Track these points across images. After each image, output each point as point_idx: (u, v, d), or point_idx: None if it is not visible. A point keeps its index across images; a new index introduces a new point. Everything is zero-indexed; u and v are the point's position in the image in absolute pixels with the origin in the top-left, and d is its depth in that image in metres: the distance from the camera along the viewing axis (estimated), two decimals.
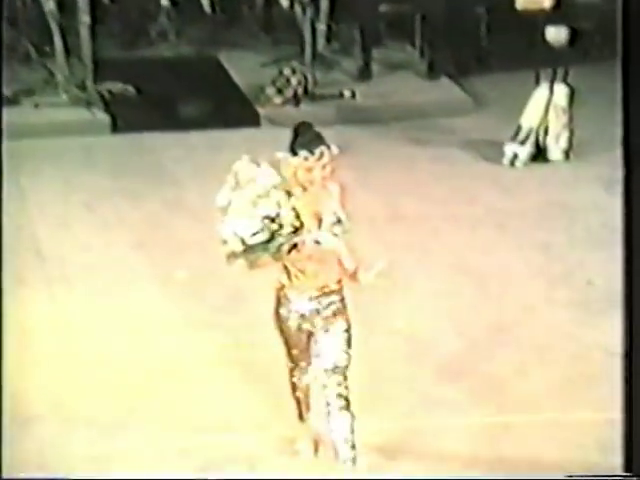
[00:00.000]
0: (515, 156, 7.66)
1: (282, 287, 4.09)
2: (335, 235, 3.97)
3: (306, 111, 8.49)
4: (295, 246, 3.89)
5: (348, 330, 4.15)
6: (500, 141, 7.67)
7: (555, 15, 7.85)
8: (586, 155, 7.61)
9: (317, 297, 4.06)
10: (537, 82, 7.69)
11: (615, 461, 4.32)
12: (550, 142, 7.69)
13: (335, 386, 4.10)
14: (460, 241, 6.46)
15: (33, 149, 6.99)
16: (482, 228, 6.63)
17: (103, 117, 8.28)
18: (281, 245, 3.85)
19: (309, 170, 3.90)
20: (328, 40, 9.33)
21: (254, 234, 3.81)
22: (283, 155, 3.92)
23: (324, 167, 3.91)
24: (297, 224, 3.85)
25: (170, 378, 5.03)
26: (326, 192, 3.98)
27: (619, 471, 3.86)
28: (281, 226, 3.82)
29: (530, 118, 7.67)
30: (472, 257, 6.26)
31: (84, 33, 8.47)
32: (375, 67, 9.14)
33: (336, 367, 4.10)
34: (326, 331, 4.10)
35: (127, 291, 5.88)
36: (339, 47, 9.40)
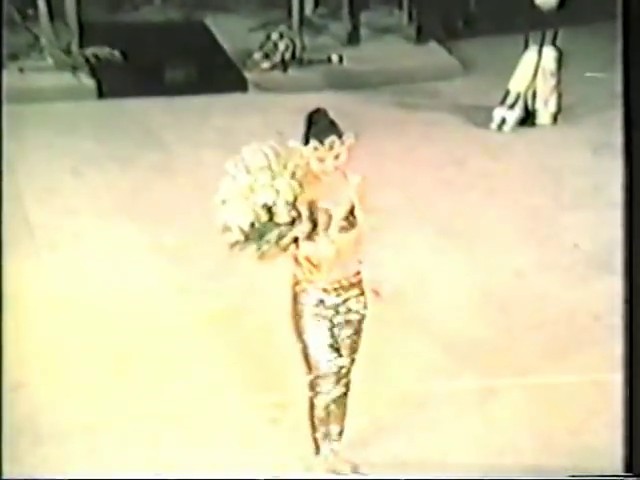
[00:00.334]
0: (503, 120, 7.65)
1: (297, 282, 3.92)
2: (348, 228, 3.81)
3: (294, 76, 8.46)
4: (296, 240, 3.75)
5: (358, 332, 4.01)
6: (489, 105, 7.66)
7: None
8: (574, 118, 7.60)
9: (334, 291, 3.89)
10: (526, 46, 7.66)
11: (602, 423, 4.37)
12: (539, 106, 7.67)
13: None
14: (448, 205, 6.46)
15: (18, 114, 6.90)
16: (470, 192, 6.63)
17: (89, 82, 8.22)
18: (282, 236, 3.72)
19: (321, 160, 3.74)
20: (316, 4, 9.27)
21: (252, 224, 3.69)
22: (294, 144, 3.77)
23: (337, 157, 3.75)
24: (294, 214, 3.71)
25: (160, 343, 5.04)
26: (344, 183, 3.83)
27: (605, 438, 3.90)
28: (273, 215, 3.69)
29: (518, 82, 7.65)
30: (460, 221, 6.27)
31: None
32: (363, 31, 9.09)
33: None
34: (342, 328, 3.95)
35: (116, 257, 5.87)
36: (327, 11, 9.34)
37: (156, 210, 6.37)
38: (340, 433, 4.06)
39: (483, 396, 4.67)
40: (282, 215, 3.70)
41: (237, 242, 3.73)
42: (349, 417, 4.14)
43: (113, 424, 4.48)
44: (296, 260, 3.86)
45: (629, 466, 3.61)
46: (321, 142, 3.72)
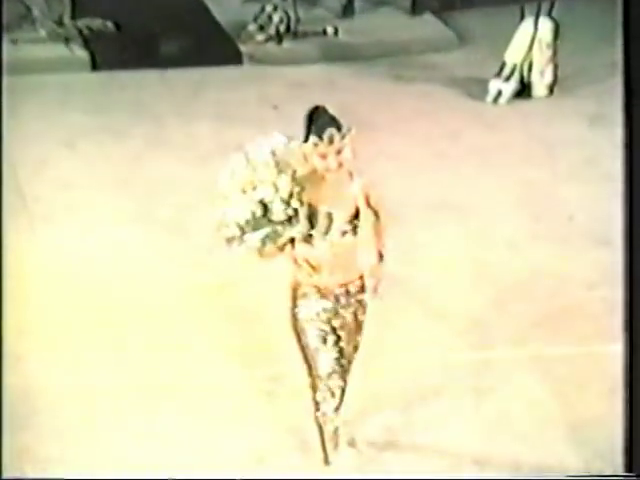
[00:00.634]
0: (499, 93, 7.63)
1: (297, 286, 3.84)
2: (351, 232, 3.73)
3: (289, 49, 8.41)
4: (292, 240, 3.67)
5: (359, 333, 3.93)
6: (484, 78, 7.63)
7: None
8: (570, 90, 7.59)
9: (335, 297, 3.83)
10: (522, 17, 7.63)
11: (595, 393, 4.40)
12: (535, 78, 7.65)
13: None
14: (443, 178, 6.45)
15: (11, 86, 6.86)
16: (465, 165, 6.63)
17: (82, 54, 8.17)
18: (278, 235, 3.65)
19: (323, 157, 3.63)
20: None
21: (247, 220, 3.63)
22: (294, 143, 3.67)
23: (339, 152, 3.63)
24: (290, 213, 3.62)
25: (155, 316, 5.05)
26: (349, 185, 3.73)
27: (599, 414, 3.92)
28: (267, 212, 3.61)
29: (515, 54, 7.63)
30: (455, 194, 6.27)
31: None
32: (358, 4, 9.03)
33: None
34: (339, 334, 3.88)
35: (110, 229, 5.87)
36: None
37: (151, 183, 6.36)
38: (337, 409, 4.04)
39: (477, 368, 4.69)
40: (277, 212, 3.62)
41: (234, 237, 3.69)
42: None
43: (109, 395, 4.50)
44: (295, 261, 3.79)
45: (629, 466, 3.62)
46: (320, 136, 3.62)
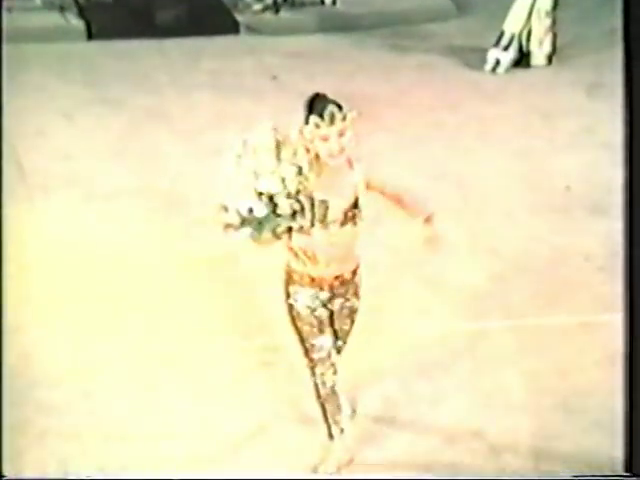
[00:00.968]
0: (497, 62, 7.60)
1: (290, 272, 3.81)
2: (349, 221, 3.68)
3: (286, 18, 8.36)
4: (290, 229, 3.60)
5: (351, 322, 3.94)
6: (483, 47, 7.60)
7: None
8: (569, 59, 7.56)
9: (329, 287, 3.80)
10: None
11: (591, 363, 4.41)
12: (533, 47, 7.62)
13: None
14: (442, 148, 6.44)
15: (7, 55, 6.82)
16: (464, 135, 6.61)
17: (78, 23, 8.12)
18: (278, 226, 3.57)
19: (325, 139, 3.57)
20: None
21: (250, 209, 3.55)
22: (295, 129, 3.59)
23: (341, 134, 3.58)
24: (297, 207, 3.55)
25: (153, 287, 5.06)
26: (348, 173, 3.68)
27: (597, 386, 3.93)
28: (275, 206, 3.55)
29: (513, 23, 7.59)
30: (453, 164, 6.26)
31: None
32: None
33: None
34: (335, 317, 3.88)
35: (109, 200, 5.86)
36: None
37: (149, 153, 6.34)
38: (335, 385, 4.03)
39: (473, 339, 4.70)
40: (284, 207, 3.56)
41: (231, 224, 3.62)
42: (342, 361, 4.19)
43: (108, 367, 4.51)
44: (291, 250, 3.76)
45: (629, 466, 3.63)
46: (321, 116, 3.56)
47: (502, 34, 7.61)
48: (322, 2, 8.53)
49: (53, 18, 8.14)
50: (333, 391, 3.89)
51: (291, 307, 3.84)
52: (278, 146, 3.57)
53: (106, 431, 4.13)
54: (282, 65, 7.54)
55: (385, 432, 4.12)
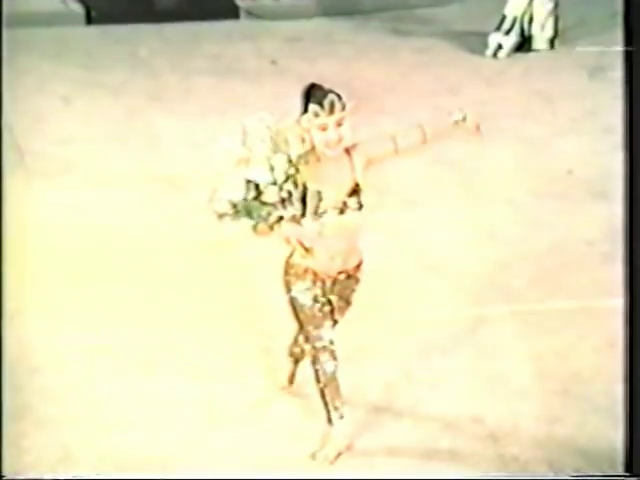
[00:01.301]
0: (499, 46, 7.57)
1: (292, 264, 3.78)
2: (346, 211, 3.64)
3: (286, 3, 8.34)
4: (281, 218, 3.57)
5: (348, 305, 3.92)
6: (484, 31, 7.58)
7: None
8: (570, 42, 7.53)
9: (330, 278, 3.79)
10: None
11: (592, 348, 4.41)
12: (535, 31, 7.59)
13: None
14: None
15: (6, 39, 6.80)
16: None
17: (77, 7, 8.10)
18: (269, 215, 3.55)
19: (323, 128, 3.54)
20: None
21: (244, 198, 3.53)
22: (294, 120, 3.57)
23: (339, 124, 3.55)
24: (284, 195, 3.52)
25: (153, 272, 5.05)
26: (346, 164, 3.64)
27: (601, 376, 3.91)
28: (260, 193, 3.52)
29: (515, 7, 7.56)
30: (454, 148, 6.23)
31: None
32: None
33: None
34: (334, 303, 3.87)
35: (108, 184, 5.85)
36: None
37: (148, 138, 6.33)
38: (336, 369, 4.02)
39: (474, 324, 4.69)
40: (270, 194, 3.53)
41: (225, 214, 3.61)
42: (341, 345, 4.17)
43: (108, 353, 4.50)
44: (288, 242, 3.73)
45: (629, 466, 3.62)
46: (320, 104, 3.54)
47: (504, 18, 7.58)
48: None
49: (52, 3, 8.13)
50: (333, 377, 3.87)
51: (292, 300, 3.83)
52: (270, 135, 3.54)
53: (106, 417, 4.12)
54: (282, 49, 7.52)
55: (385, 418, 4.11)
